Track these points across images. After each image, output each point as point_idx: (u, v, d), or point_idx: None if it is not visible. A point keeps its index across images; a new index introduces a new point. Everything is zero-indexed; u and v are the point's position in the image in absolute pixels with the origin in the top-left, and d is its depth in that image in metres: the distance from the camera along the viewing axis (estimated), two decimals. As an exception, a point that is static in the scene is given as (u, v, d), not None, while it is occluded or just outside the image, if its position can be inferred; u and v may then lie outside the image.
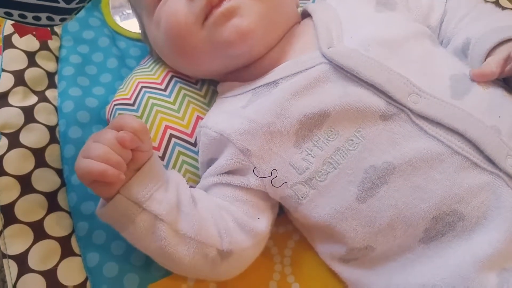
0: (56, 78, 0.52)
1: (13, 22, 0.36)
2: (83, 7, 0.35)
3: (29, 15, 0.34)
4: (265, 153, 0.39)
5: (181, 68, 0.48)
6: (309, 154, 0.38)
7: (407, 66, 0.38)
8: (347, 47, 0.39)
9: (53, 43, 0.53)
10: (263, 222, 0.40)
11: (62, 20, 0.36)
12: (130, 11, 0.61)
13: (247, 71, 0.45)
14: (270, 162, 0.39)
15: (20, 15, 0.34)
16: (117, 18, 0.62)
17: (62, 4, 0.34)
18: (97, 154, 0.34)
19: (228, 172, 0.41)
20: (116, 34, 0.60)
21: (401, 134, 0.35)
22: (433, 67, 0.39)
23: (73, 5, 0.34)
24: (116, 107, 0.47)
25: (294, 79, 0.39)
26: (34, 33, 0.42)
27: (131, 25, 0.61)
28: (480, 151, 0.34)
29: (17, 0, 0.33)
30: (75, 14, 0.36)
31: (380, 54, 0.38)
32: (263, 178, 0.39)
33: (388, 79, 0.36)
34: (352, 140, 0.36)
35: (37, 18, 0.35)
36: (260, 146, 0.39)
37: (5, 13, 0.34)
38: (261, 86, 0.41)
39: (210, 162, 0.42)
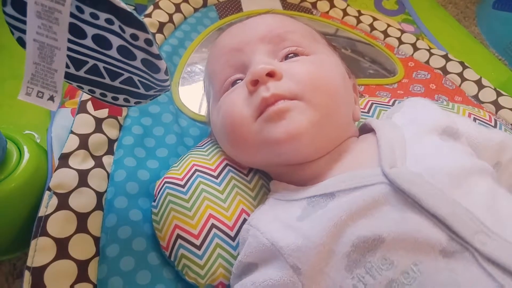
0: (115, 145, 0.53)
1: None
2: (159, 95, 0.37)
3: (109, 95, 0.37)
4: (316, 273, 0.36)
5: (231, 154, 0.49)
6: (361, 281, 0.34)
7: (473, 201, 0.35)
8: (410, 170, 0.37)
9: (120, 112, 0.56)
10: None
11: (137, 103, 0.38)
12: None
13: (297, 172, 0.45)
14: (320, 284, 0.36)
15: (101, 94, 0.37)
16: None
17: (142, 91, 0.36)
18: None
19: (275, 286, 0.38)
20: (179, 112, 0.62)
21: (464, 276, 0.31)
22: (499, 207, 0.36)
23: (151, 93, 0.36)
24: (166, 184, 0.48)
25: (352, 195, 0.38)
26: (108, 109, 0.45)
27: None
28: None
29: (102, 81, 0.35)
30: (150, 100, 0.38)
31: (445, 184, 0.36)
32: None
33: (453, 212, 0.34)
34: (408, 274, 0.33)
35: (115, 99, 0.37)
36: (311, 266, 0.36)
37: (89, 90, 0.36)
38: (317, 196, 0.40)
39: (251, 266, 0.40)
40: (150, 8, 0.72)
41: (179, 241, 0.44)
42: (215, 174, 0.48)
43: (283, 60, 0.46)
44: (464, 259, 0.32)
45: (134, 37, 0.30)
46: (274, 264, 0.38)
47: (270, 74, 0.42)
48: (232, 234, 0.45)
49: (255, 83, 0.43)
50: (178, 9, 0.76)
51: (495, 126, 0.59)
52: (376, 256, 0.34)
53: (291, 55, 0.46)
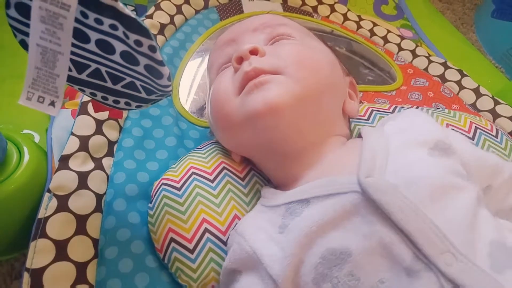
0: (115, 147, 0.53)
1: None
2: (161, 99, 0.37)
3: (111, 98, 0.37)
4: (289, 283, 0.36)
5: (224, 141, 0.51)
6: None
7: (446, 219, 0.33)
8: (386, 180, 0.36)
9: (121, 114, 0.56)
10: None
11: (138, 107, 0.38)
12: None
13: (284, 167, 0.45)
14: None
15: (102, 97, 0.37)
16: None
17: (143, 95, 0.36)
18: None
19: None
20: (179, 115, 0.62)
21: None
22: (475, 229, 0.34)
23: (153, 97, 0.36)
24: (163, 186, 0.48)
25: (324, 203, 0.37)
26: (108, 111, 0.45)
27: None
28: None
29: (104, 84, 0.35)
30: (151, 104, 0.38)
31: (420, 197, 0.34)
32: None
33: (421, 228, 0.32)
34: None
35: (117, 102, 0.37)
36: (285, 277, 0.36)
37: (91, 93, 0.37)
38: (293, 202, 0.40)
39: (235, 273, 0.41)
40: (152, 9, 0.73)
41: (173, 244, 0.44)
42: (211, 177, 0.48)
43: (270, 43, 0.49)
44: (427, 279, 0.31)
45: (138, 43, 0.30)
46: (256, 273, 0.38)
47: (253, 52, 0.44)
48: (225, 239, 0.45)
49: (240, 60, 0.45)
50: (179, 10, 0.76)
51: (496, 136, 0.58)
52: (343, 272, 0.33)
53: (279, 40, 0.48)
